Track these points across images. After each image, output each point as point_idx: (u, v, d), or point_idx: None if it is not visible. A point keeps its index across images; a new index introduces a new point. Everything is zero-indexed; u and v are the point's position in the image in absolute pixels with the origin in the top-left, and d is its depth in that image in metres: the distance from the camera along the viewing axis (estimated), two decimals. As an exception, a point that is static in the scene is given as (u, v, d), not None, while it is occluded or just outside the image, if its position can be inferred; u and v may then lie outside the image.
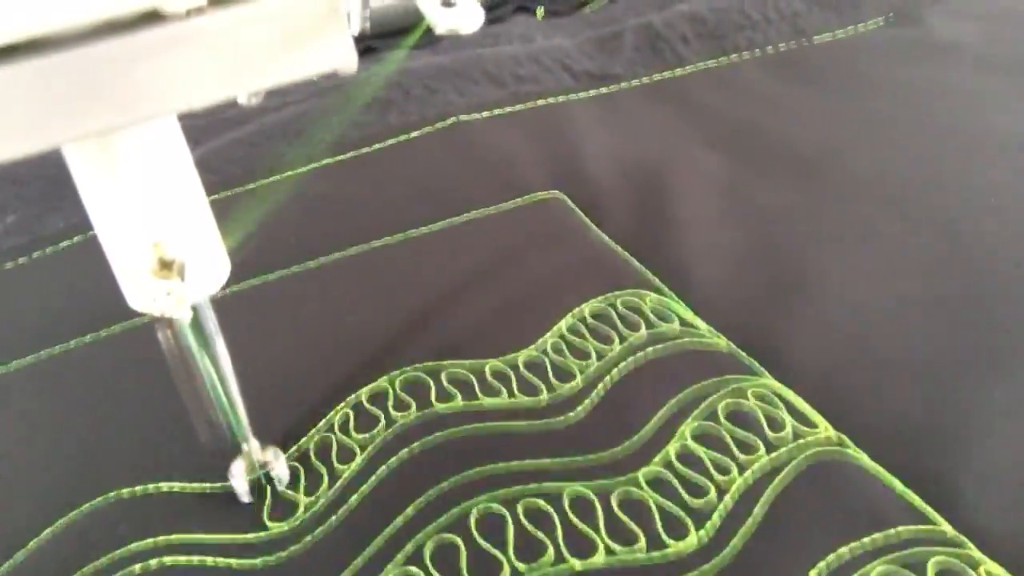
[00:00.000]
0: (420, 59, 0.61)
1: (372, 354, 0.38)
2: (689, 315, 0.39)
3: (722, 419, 0.34)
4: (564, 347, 0.38)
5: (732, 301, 0.40)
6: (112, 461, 0.34)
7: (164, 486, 0.33)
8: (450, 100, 0.57)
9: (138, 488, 0.33)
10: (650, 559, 0.29)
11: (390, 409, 0.35)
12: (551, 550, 0.30)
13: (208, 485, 0.33)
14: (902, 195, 0.47)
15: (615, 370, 0.36)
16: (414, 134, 0.54)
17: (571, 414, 0.35)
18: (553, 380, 0.36)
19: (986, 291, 0.40)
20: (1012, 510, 0.30)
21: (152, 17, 0.18)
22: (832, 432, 0.33)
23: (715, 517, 0.30)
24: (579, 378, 0.36)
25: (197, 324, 0.27)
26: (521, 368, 0.37)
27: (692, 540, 0.30)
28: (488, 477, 0.32)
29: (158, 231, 0.23)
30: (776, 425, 0.33)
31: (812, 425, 0.33)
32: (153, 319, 0.25)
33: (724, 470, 0.32)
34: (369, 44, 0.63)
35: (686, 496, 0.31)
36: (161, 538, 0.31)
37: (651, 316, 0.39)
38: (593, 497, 0.31)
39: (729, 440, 0.33)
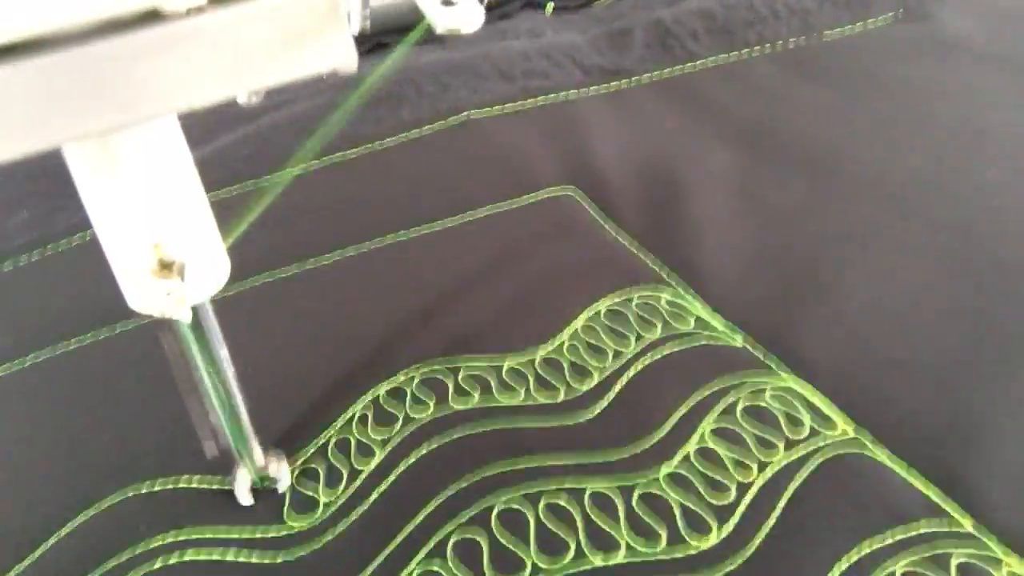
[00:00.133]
0: (431, 55, 0.61)
1: (389, 351, 0.38)
2: (705, 312, 0.39)
3: (740, 416, 0.34)
4: (580, 345, 0.38)
5: (747, 298, 0.40)
6: (133, 457, 0.34)
7: (184, 481, 0.33)
8: (461, 96, 0.57)
9: (158, 483, 0.33)
10: (672, 556, 0.29)
11: (408, 406, 0.35)
12: (573, 547, 0.30)
13: (228, 480, 0.33)
14: (914, 192, 0.47)
15: (632, 368, 0.36)
16: (426, 130, 0.54)
17: (589, 411, 0.35)
18: (570, 377, 0.36)
19: (1002, 288, 0.40)
20: (1031, 507, 0.30)
21: (152, 16, 0.18)
22: (850, 429, 0.33)
23: (736, 514, 0.30)
24: (596, 376, 0.36)
25: (197, 325, 0.26)
26: (538, 366, 0.37)
27: (713, 537, 0.30)
28: (508, 474, 0.32)
29: (158, 232, 0.23)
30: (794, 422, 0.33)
31: (830, 422, 0.33)
32: (156, 321, 0.24)
33: (744, 467, 0.32)
34: (380, 40, 0.63)
35: (707, 493, 0.31)
36: (182, 533, 0.31)
37: (667, 313, 0.39)
38: (614, 495, 0.31)
39: (748, 437, 0.33)
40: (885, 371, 0.36)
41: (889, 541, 0.29)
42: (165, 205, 0.23)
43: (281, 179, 0.50)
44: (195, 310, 0.26)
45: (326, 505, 0.32)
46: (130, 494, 0.33)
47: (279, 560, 0.30)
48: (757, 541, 0.29)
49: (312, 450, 0.34)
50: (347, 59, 0.21)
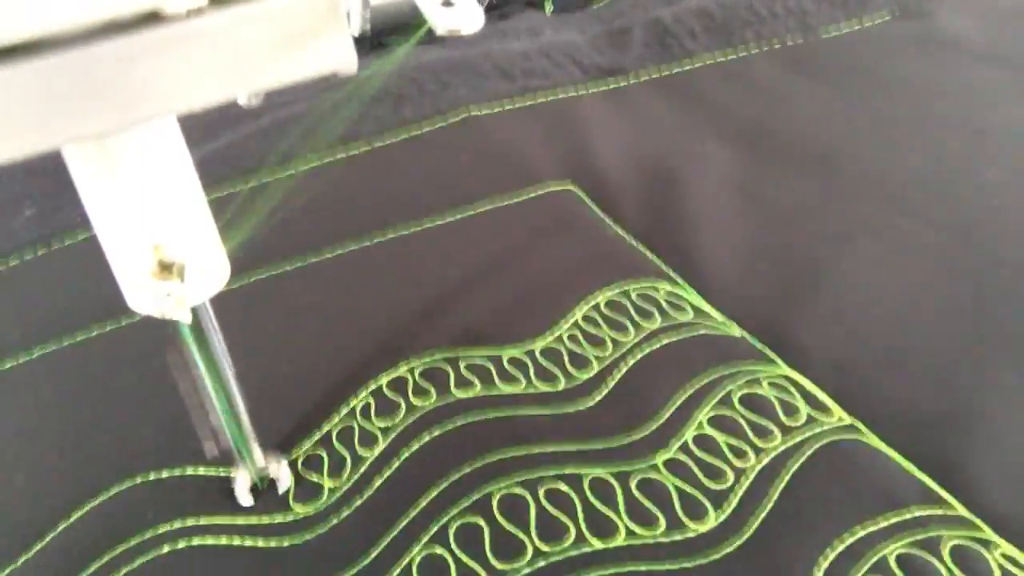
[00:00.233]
0: (432, 54, 0.61)
1: (391, 342, 0.39)
2: (703, 304, 0.39)
3: (737, 405, 0.34)
4: (580, 335, 0.38)
5: (744, 291, 0.41)
6: (138, 445, 0.35)
7: (190, 470, 0.34)
8: (461, 94, 0.57)
9: (164, 472, 0.34)
10: (670, 539, 0.30)
11: (410, 395, 0.36)
12: (573, 531, 0.30)
13: (234, 469, 0.33)
14: (911, 188, 0.47)
15: (631, 357, 0.37)
16: (427, 128, 0.54)
17: (588, 400, 0.35)
18: (570, 367, 0.37)
19: (995, 281, 0.40)
20: (1021, 492, 0.31)
21: (152, 18, 0.18)
22: (845, 416, 0.33)
23: (732, 499, 0.31)
24: (595, 365, 0.37)
25: (197, 326, 0.27)
26: (538, 356, 0.37)
27: (710, 521, 0.30)
28: (509, 461, 0.33)
29: (158, 233, 0.23)
30: (790, 410, 0.34)
31: (826, 410, 0.34)
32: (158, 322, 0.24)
33: (740, 454, 0.32)
34: (380, 40, 0.63)
35: (704, 479, 0.32)
36: (188, 520, 0.32)
37: (665, 305, 0.39)
38: (613, 480, 0.32)
39: (744, 425, 0.34)
40: (881, 364, 0.36)
41: (883, 525, 0.29)
42: (165, 206, 0.23)
43: (282, 177, 0.50)
44: (195, 311, 0.26)
45: (330, 492, 0.33)
46: (137, 482, 0.33)
47: (285, 544, 0.31)
48: (753, 525, 0.30)
49: (316, 439, 0.34)
50: (347, 61, 0.21)
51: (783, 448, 0.32)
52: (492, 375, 0.37)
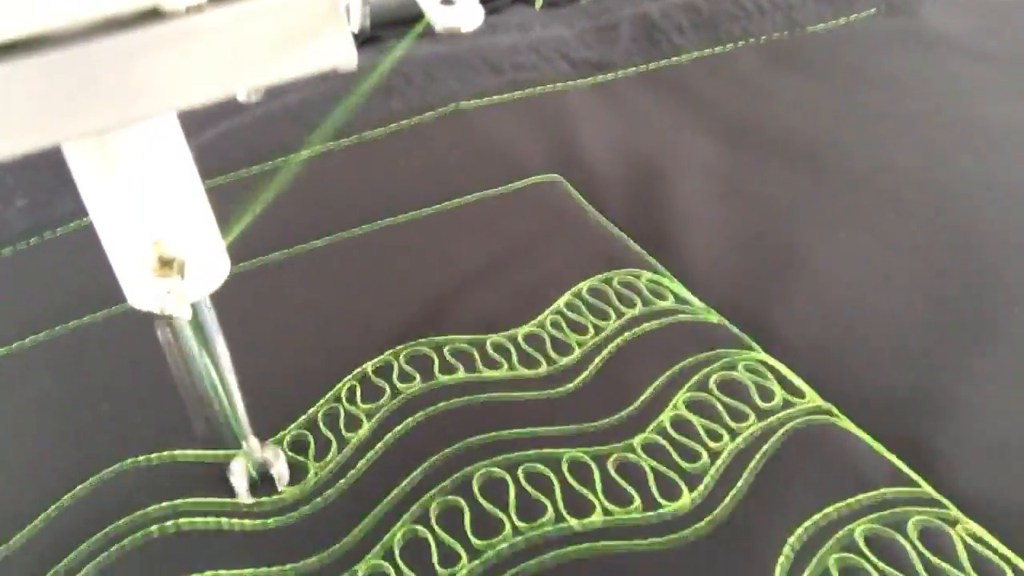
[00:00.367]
0: (421, 47, 0.62)
1: (377, 329, 0.39)
2: (683, 292, 0.40)
3: (714, 389, 0.35)
4: (562, 322, 0.39)
5: (725, 279, 0.42)
6: (130, 430, 0.35)
7: (179, 454, 0.34)
8: (450, 87, 0.58)
9: (155, 456, 0.34)
10: (645, 518, 0.31)
11: (395, 381, 0.37)
12: (551, 511, 0.31)
13: (222, 453, 0.34)
14: (890, 180, 0.48)
15: (612, 344, 0.38)
16: (415, 120, 0.55)
17: (569, 385, 0.36)
18: (552, 353, 0.38)
19: (969, 270, 0.41)
20: (988, 473, 0.32)
21: (152, 15, 0.18)
22: (820, 401, 0.34)
23: (707, 479, 0.32)
24: (577, 351, 0.38)
25: (197, 322, 0.27)
26: (521, 342, 0.38)
27: (685, 501, 0.31)
28: (490, 443, 0.34)
29: (158, 229, 0.23)
30: (766, 395, 0.35)
31: (801, 395, 0.35)
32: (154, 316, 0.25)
33: (716, 436, 0.33)
34: (373, 33, 0.64)
35: (680, 460, 0.32)
36: (178, 502, 0.32)
37: (646, 293, 0.40)
38: (591, 462, 0.33)
39: (721, 409, 0.34)
40: (854, 348, 0.37)
41: (852, 505, 0.30)
42: (165, 203, 0.23)
43: (272, 169, 0.51)
44: (194, 307, 0.26)
45: (316, 474, 0.33)
46: (128, 466, 0.34)
47: (271, 525, 0.32)
48: (726, 504, 0.31)
49: (302, 422, 0.35)
50: (346, 57, 0.21)
51: (758, 431, 0.33)
52: (475, 361, 0.37)
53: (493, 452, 0.33)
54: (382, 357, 0.38)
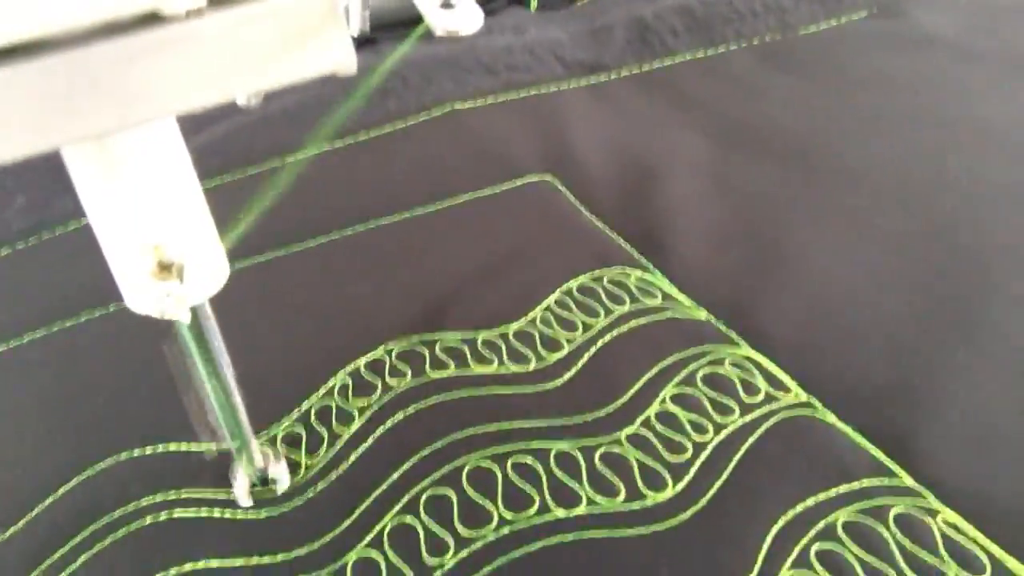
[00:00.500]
0: (417, 49, 0.63)
1: (370, 326, 0.40)
2: (672, 290, 0.41)
3: (700, 384, 0.36)
4: (552, 319, 0.40)
5: (712, 277, 0.42)
6: (123, 424, 0.36)
7: (173, 446, 0.35)
8: (446, 88, 0.59)
9: (148, 449, 0.35)
10: (630, 508, 0.31)
11: (387, 377, 0.37)
12: (537, 501, 0.32)
13: (215, 446, 0.35)
14: (878, 178, 0.49)
15: (600, 339, 0.38)
16: (411, 121, 0.55)
17: (558, 380, 0.37)
18: (541, 349, 0.38)
19: (953, 267, 0.42)
20: (967, 464, 0.32)
21: (151, 19, 0.18)
22: (803, 395, 0.35)
23: (691, 470, 0.32)
24: (566, 347, 0.38)
25: (196, 326, 0.27)
26: (511, 338, 0.39)
27: (669, 491, 0.32)
28: (479, 436, 0.34)
29: (158, 233, 0.23)
30: (751, 389, 0.35)
31: (784, 389, 0.35)
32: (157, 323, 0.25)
33: (701, 429, 0.34)
34: (372, 36, 0.65)
35: (664, 452, 0.33)
36: (171, 493, 0.33)
37: (635, 291, 0.41)
38: (577, 454, 0.33)
39: (706, 402, 0.35)
40: (837, 343, 0.38)
41: (833, 495, 0.31)
42: (164, 207, 0.23)
43: (269, 170, 0.52)
44: (194, 311, 0.26)
45: (307, 467, 0.34)
46: (122, 458, 0.34)
47: (263, 516, 0.32)
48: (710, 494, 0.31)
49: (295, 417, 0.36)
50: (346, 61, 0.21)
51: (742, 424, 0.34)
52: (466, 357, 0.38)
53: (482, 445, 0.34)
54: (374, 354, 0.38)
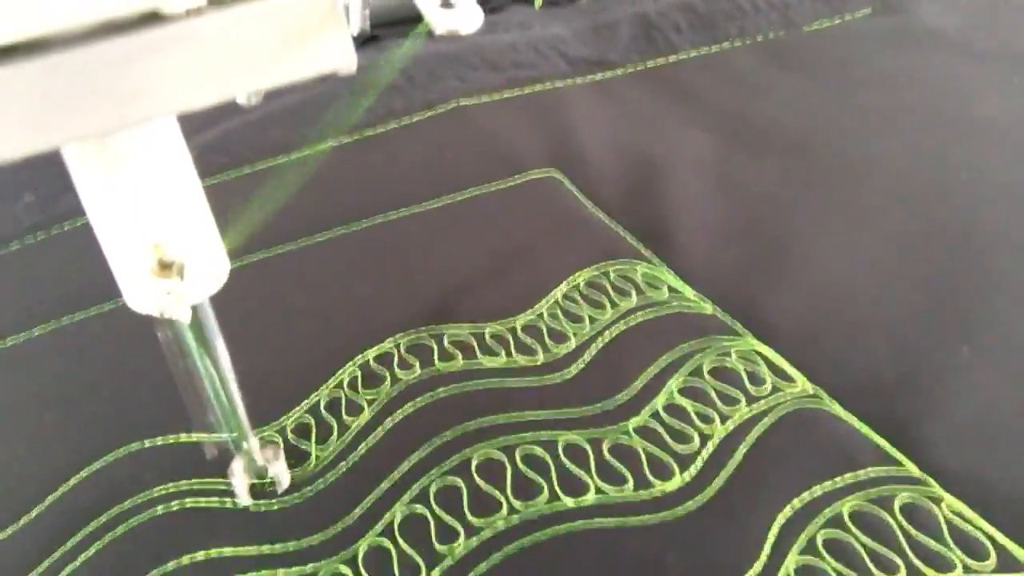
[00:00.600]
0: (422, 47, 0.63)
1: (379, 320, 0.40)
2: (678, 283, 0.41)
3: (707, 375, 0.36)
4: (559, 312, 0.40)
5: (718, 270, 0.42)
6: (134, 414, 0.36)
7: (184, 436, 0.35)
8: (451, 85, 0.59)
9: (159, 440, 0.35)
10: (638, 498, 0.31)
11: (395, 369, 0.37)
12: (546, 490, 0.32)
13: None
14: (882, 174, 0.49)
15: (607, 332, 0.39)
16: (416, 118, 0.56)
17: (565, 372, 0.37)
18: (548, 342, 0.38)
19: (956, 262, 0.42)
20: (971, 452, 0.32)
21: (151, 18, 0.18)
22: (809, 385, 0.35)
23: (698, 460, 0.33)
24: (573, 340, 0.38)
25: (197, 324, 0.27)
26: (519, 331, 0.39)
27: (676, 480, 0.32)
28: (488, 428, 0.34)
29: (158, 232, 0.23)
30: (757, 380, 0.36)
31: (790, 380, 0.36)
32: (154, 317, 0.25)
33: (707, 420, 0.34)
34: (374, 33, 0.65)
35: (672, 443, 0.33)
36: (182, 483, 0.33)
37: (642, 284, 0.41)
38: (586, 444, 0.33)
39: (713, 394, 0.35)
40: (842, 334, 0.38)
41: (839, 484, 0.31)
42: (164, 205, 0.23)
43: (275, 166, 0.52)
44: (195, 309, 0.26)
45: (318, 458, 0.34)
46: (133, 449, 0.35)
47: (274, 506, 0.33)
48: (717, 484, 0.32)
49: (304, 408, 0.36)
50: (346, 60, 0.21)
51: (748, 415, 0.34)
52: (475, 349, 0.38)
53: (491, 435, 0.34)
54: (383, 346, 0.39)
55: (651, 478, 0.32)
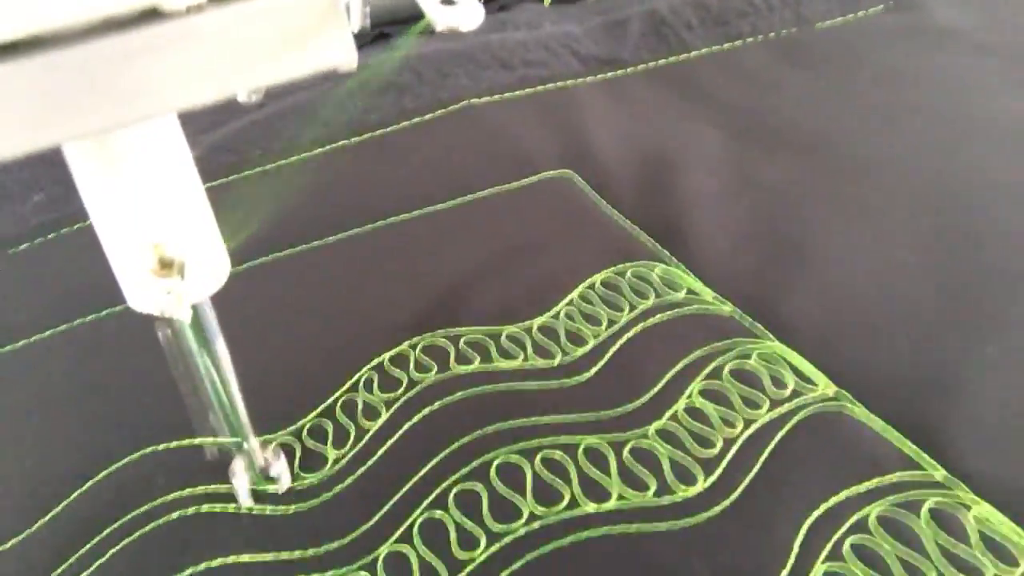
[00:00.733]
0: (432, 45, 0.63)
1: (393, 321, 0.40)
2: (696, 284, 0.41)
3: (728, 378, 0.36)
4: (576, 313, 0.39)
5: (736, 270, 0.42)
6: (149, 418, 0.36)
7: (199, 441, 0.35)
8: (462, 84, 0.59)
9: (174, 443, 0.35)
10: (659, 503, 0.31)
11: (412, 371, 0.37)
12: (567, 495, 0.31)
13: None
14: (898, 171, 0.49)
15: (625, 334, 0.38)
16: (428, 117, 0.55)
17: (584, 374, 0.36)
18: (566, 343, 0.38)
19: (976, 258, 0.42)
20: (999, 455, 0.32)
21: (152, 15, 0.18)
22: (832, 388, 0.35)
23: (721, 465, 0.32)
24: (591, 342, 0.38)
25: (197, 324, 0.27)
26: (535, 333, 0.39)
27: (699, 485, 0.31)
28: (506, 431, 0.34)
29: (158, 231, 0.23)
30: (779, 383, 0.35)
31: (813, 382, 0.35)
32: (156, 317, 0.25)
33: (730, 423, 0.34)
34: (382, 31, 0.65)
35: (693, 447, 0.33)
36: (198, 488, 0.33)
37: (659, 285, 0.41)
38: (607, 448, 0.33)
39: (734, 397, 0.35)
40: (864, 335, 0.38)
41: (865, 488, 0.31)
42: (165, 204, 0.23)
43: (285, 166, 0.52)
44: (195, 308, 0.26)
45: (334, 461, 0.34)
46: (148, 453, 0.34)
47: (291, 511, 0.32)
48: (741, 488, 0.31)
49: (320, 411, 0.36)
50: (347, 57, 0.21)
51: (771, 418, 0.34)
52: (491, 351, 0.38)
53: (510, 439, 0.34)
54: (399, 348, 0.38)
55: (673, 483, 0.32)
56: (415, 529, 0.31)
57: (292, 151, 0.53)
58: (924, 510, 0.30)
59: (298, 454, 0.34)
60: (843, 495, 0.30)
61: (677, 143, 0.53)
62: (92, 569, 0.31)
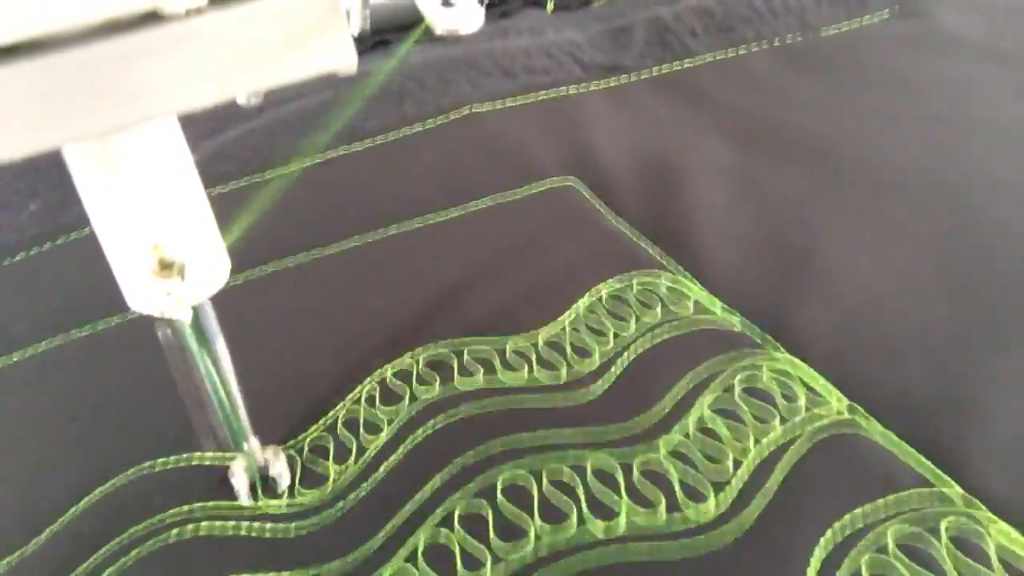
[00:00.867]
0: (434, 51, 0.62)
1: (395, 334, 0.39)
2: (703, 295, 0.40)
3: (738, 393, 0.35)
4: (582, 326, 0.39)
5: (744, 281, 0.41)
6: (147, 434, 0.35)
7: (198, 456, 0.34)
8: (464, 91, 0.58)
9: (171, 461, 0.34)
10: (670, 523, 0.30)
11: (414, 385, 0.36)
12: (574, 516, 0.31)
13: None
14: (907, 180, 0.48)
15: (632, 347, 0.37)
16: (430, 124, 0.55)
17: (590, 389, 0.36)
18: (572, 357, 0.37)
19: (989, 269, 0.41)
20: (1017, 473, 0.31)
21: (151, 17, 0.18)
22: (844, 404, 0.34)
23: (733, 484, 0.31)
24: (597, 355, 0.37)
25: (197, 325, 0.27)
26: (541, 346, 0.38)
27: (711, 505, 0.31)
28: (512, 449, 0.33)
29: (158, 232, 0.23)
30: (790, 398, 0.34)
31: (825, 398, 0.34)
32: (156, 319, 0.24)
33: (741, 441, 0.33)
34: (383, 37, 0.64)
35: (704, 467, 0.32)
36: (196, 506, 0.32)
37: (666, 296, 0.40)
38: (615, 466, 0.32)
39: (745, 414, 0.34)
40: (877, 348, 0.37)
41: (882, 508, 0.30)
42: (165, 205, 0.23)
43: (286, 174, 0.51)
44: (195, 310, 0.26)
45: (336, 478, 0.33)
46: (145, 470, 0.34)
47: (292, 533, 0.31)
48: (754, 508, 0.30)
49: (321, 427, 0.35)
50: (347, 60, 0.21)
51: (783, 435, 0.33)
52: (495, 365, 0.37)
53: (516, 456, 0.33)
54: (401, 361, 0.37)
55: (684, 503, 0.31)
56: (420, 551, 0.30)
57: (292, 158, 0.52)
58: (942, 529, 0.29)
59: (299, 472, 0.33)
60: (859, 514, 0.30)
61: (682, 150, 0.52)
62: None
